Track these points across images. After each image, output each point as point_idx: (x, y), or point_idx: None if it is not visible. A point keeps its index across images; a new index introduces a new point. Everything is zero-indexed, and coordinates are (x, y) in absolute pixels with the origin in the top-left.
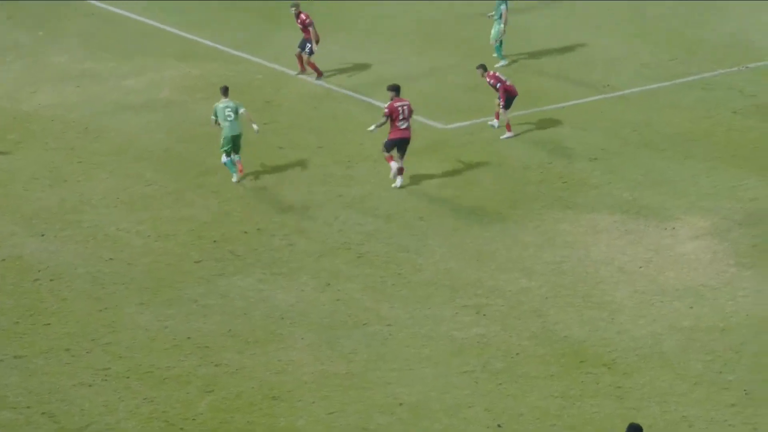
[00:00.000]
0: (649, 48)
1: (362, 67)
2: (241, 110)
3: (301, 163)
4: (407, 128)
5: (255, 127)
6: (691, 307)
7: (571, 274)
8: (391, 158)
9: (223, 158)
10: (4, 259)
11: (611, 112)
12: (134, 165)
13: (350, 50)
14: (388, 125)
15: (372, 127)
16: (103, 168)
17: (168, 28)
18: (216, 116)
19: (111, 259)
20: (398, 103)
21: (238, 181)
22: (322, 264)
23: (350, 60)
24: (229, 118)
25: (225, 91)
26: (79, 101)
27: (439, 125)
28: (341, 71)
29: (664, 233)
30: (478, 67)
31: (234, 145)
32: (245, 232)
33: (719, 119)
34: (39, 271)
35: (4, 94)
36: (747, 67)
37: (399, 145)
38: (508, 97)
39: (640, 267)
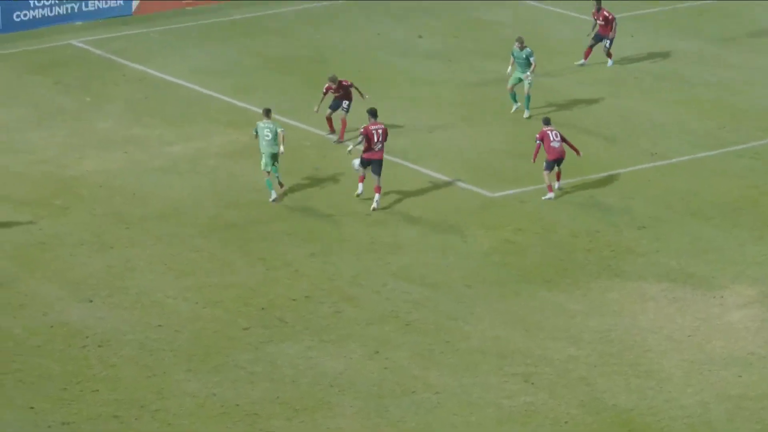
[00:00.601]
0: (696, 115)
1: (409, 134)
2: (280, 130)
3: (349, 230)
4: (381, 150)
5: (281, 148)
6: (740, 376)
7: (618, 343)
8: (363, 179)
9: (265, 178)
10: (52, 326)
11: (659, 180)
12: (181, 231)
13: (396, 117)
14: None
15: (350, 147)
16: (150, 234)
17: (215, 94)
18: (256, 133)
19: (159, 325)
20: (374, 126)
21: (276, 200)
22: (370, 332)
23: (396, 127)
24: (266, 138)
25: (267, 113)
26: (125, 167)
27: (486, 193)
28: (389, 138)
29: (711, 302)
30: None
31: (273, 161)
32: (293, 300)
33: (767, 188)
34: (86, 337)
35: (50, 159)
36: None
37: (373, 165)
38: (550, 159)
39: (688, 335)
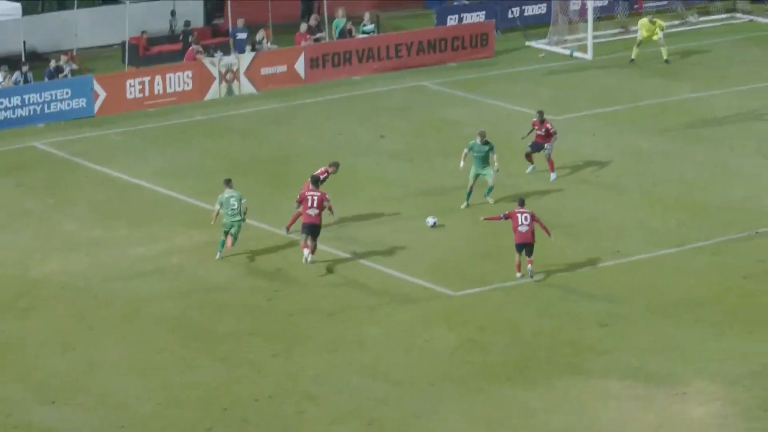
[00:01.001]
0: (658, 213)
1: (372, 233)
2: (244, 201)
3: (312, 329)
4: (316, 216)
5: (244, 217)
6: None
7: None
8: (305, 246)
9: (222, 238)
10: (15, 427)
11: (621, 277)
12: (144, 332)
13: (359, 217)
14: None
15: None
16: (113, 335)
17: (178, 196)
18: (221, 204)
19: (122, 426)
20: (309, 192)
21: (221, 257)
22: (334, 431)
23: (361, 227)
24: (232, 207)
25: (228, 183)
26: (88, 268)
27: (449, 291)
28: (351, 238)
29: (674, 399)
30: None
31: (235, 230)
32: (256, 400)
33: (729, 284)
34: None
35: (14, 261)
36: (758, 232)
37: (308, 230)
38: (516, 242)
39: None
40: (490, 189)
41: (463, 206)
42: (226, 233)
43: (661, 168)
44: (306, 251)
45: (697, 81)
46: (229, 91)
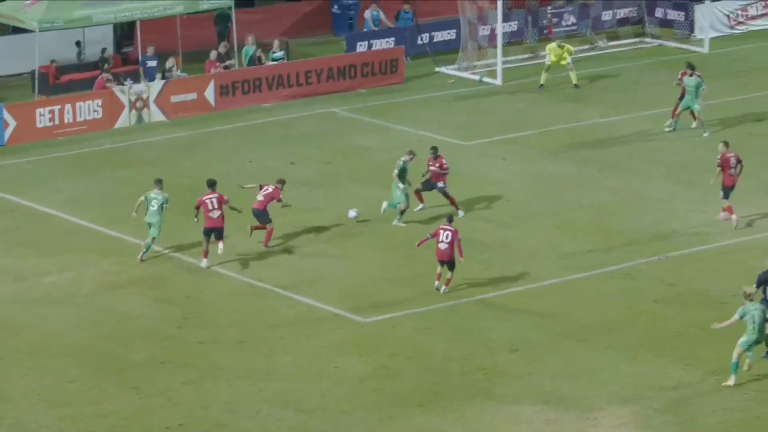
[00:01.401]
0: (569, 238)
1: (283, 261)
2: (165, 205)
3: (223, 358)
4: (218, 218)
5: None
6: None
7: None
8: (205, 254)
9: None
10: None
11: (532, 302)
12: (55, 361)
13: (270, 247)
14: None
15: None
16: (24, 365)
17: (89, 225)
18: (145, 198)
19: None
20: (207, 197)
21: (141, 259)
22: None
23: (271, 256)
24: (152, 207)
25: (157, 183)
26: None
27: (360, 319)
28: (261, 265)
29: (586, 423)
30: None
31: (151, 229)
32: (167, 428)
33: (640, 309)
34: None
35: None
36: (667, 257)
37: (213, 232)
38: (437, 258)
39: None
40: (395, 205)
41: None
42: (148, 227)
43: (572, 192)
44: (205, 262)
45: (607, 106)
46: (139, 119)
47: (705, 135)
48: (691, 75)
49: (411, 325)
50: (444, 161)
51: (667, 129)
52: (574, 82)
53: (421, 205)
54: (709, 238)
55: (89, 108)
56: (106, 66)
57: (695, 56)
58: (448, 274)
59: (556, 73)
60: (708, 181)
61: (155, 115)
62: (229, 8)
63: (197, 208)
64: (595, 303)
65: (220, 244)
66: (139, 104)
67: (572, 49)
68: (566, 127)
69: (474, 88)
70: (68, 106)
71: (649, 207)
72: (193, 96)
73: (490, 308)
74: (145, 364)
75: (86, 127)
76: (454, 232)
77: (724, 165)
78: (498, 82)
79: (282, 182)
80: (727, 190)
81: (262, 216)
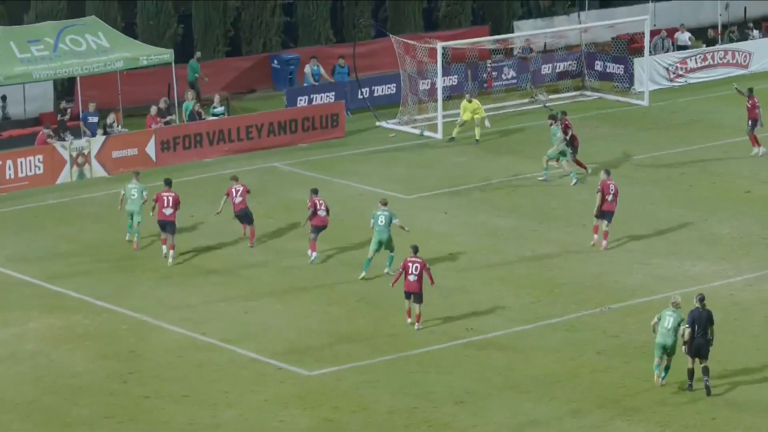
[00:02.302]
0: (512, 291)
1: (225, 316)
2: (145, 192)
3: (167, 412)
4: (171, 215)
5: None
6: None
7: None
8: (165, 241)
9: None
10: None
11: (476, 355)
12: None
13: (211, 301)
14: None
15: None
16: None
17: (31, 280)
18: (124, 193)
19: None
20: (165, 194)
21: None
22: None
23: (214, 310)
24: (132, 197)
25: (136, 175)
26: None
27: (304, 372)
28: (204, 319)
29: None
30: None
31: (132, 219)
32: None
33: (583, 360)
34: None
35: None
36: (609, 308)
37: (163, 227)
38: (405, 290)
39: None
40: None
41: (360, 276)
42: (131, 215)
43: (514, 245)
44: (165, 247)
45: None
46: (81, 174)
47: (572, 183)
48: (551, 125)
49: (355, 379)
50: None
51: (540, 178)
52: (477, 137)
53: (313, 255)
54: (651, 289)
55: (30, 164)
56: (66, 116)
57: (636, 109)
58: (417, 309)
59: (497, 127)
60: (648, 233)
61: (97, 170)
62: (169, 64)
63: (155, 201)
64: (539, 355)
65: (171, 253)
66: (80, 160)
67: (481, 107)
68: (507, 180)
69: (415, 142)
70: (9, 162)
71: (591, 259)
72: (134, 151)
73: (435, 361)
74: (89, 420)
75: (28, 183)
76: (422, 264)
77: (603, 191)
78: (438, 135)
79: (235, 178)
80: (606, 215)
81: (248, 215)
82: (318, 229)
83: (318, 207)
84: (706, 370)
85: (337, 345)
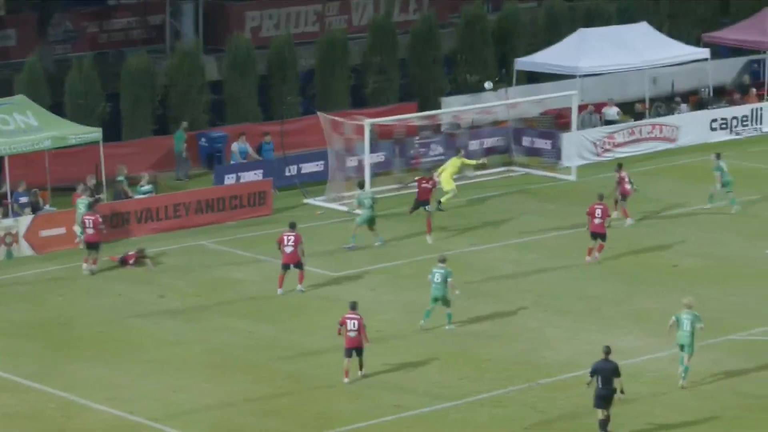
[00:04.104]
0: (438, 367)
1: (152, 394)
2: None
3: None
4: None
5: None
6: None
7: None
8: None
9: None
10: None
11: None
12: None
13: (141, 379)
14: None
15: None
16: None
17: None
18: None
19: None
20: (87, 217)
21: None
22: None
23: (142, 389)
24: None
25: (85, 191)
26: None
27: None
28: (129, 399)
29: None
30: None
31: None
32: None
33: None
34: None
35: None
36: (538, 384)
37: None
38: (345, 346)
39: None
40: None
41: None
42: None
43: (442, 321)
44: (85, 265)
45: (475, 235)
46: (8, 254)
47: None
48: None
49: None
50: None
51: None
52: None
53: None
54: (579, 364)
55: None
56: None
57: (563, 184)
58: (359, 362)
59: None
60: (576, 308)
61: (24, 250)
62: (97, 142)
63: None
64: (466, 431)
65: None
66: (8, 239)
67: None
68: (434, 256)
69: (342, 219)
70: None
71: (519, 335)
72: (61, 230)
73: None
74: None
75: None
76: (360, 320)
77: (590, 214)
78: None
79: (141, 250)
80: (596, 235)
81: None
82: (286, 266)
83: (285, 243)
84: (606, 420)
85: (261, 423)
